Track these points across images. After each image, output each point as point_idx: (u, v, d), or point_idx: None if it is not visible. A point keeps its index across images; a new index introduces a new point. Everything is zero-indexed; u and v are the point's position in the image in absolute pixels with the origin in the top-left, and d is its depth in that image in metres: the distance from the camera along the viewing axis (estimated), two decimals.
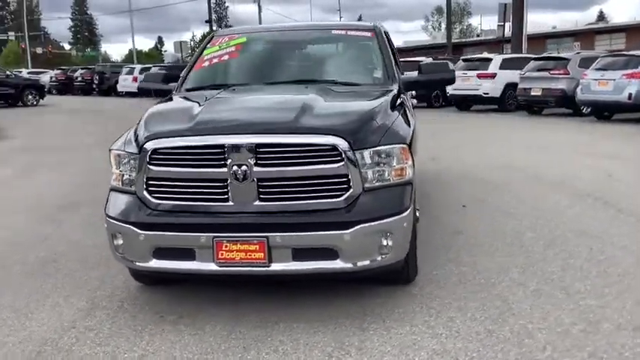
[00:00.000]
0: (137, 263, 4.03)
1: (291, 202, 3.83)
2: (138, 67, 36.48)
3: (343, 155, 3.77)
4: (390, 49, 5.36)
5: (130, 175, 4.06)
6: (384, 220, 3.85)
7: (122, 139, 4.24)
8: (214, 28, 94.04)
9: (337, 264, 3.81)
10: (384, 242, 3.87)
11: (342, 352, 3.57)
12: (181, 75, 5.48)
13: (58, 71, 45.18)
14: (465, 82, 20.05)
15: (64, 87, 41.79)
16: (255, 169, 3.76)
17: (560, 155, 10.62)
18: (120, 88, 35.87)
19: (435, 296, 4.33)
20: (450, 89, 20.87)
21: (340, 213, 3.80)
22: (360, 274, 4.05)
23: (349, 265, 3.84)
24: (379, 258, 3.89)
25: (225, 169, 3.78)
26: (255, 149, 3.76)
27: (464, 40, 60.10)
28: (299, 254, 3.80)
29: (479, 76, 19.90)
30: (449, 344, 3.62)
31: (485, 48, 40.72)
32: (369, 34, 5.51)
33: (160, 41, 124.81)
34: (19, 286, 4.83)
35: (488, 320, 3.91)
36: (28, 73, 44.24)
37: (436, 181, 8.50)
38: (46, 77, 43.44)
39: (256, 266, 3.80)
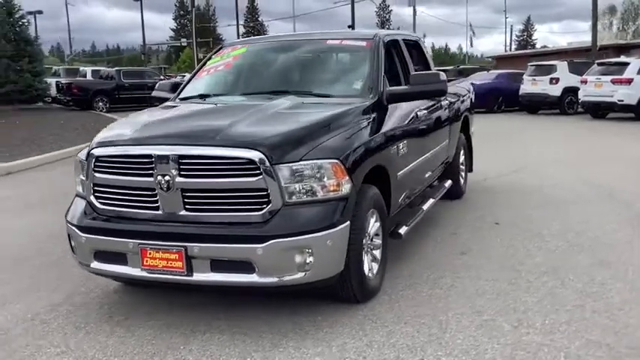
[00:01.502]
0: (83, 264, 4.27)
1: (214, 213, 3.89)
2: None
3: (261, 169, 3.75)
4: (381, 60, 5.18)
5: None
6: (301, 237, 3.79)
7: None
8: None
9: (254, 278, 3.80)
10: (303, 259, 3.81)
11: None
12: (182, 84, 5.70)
13: None
14: (598, 87, 18.63)
15: None
16: (178, 179, 3.87)
17: None
18: None
19: (379, 318, 4.18)
20: (581, 95, 19.48)
21: (256, 227, 3.80)
22: (285, 290, 4.03)
23: (271, 280, 3.82)
24: (298, 275, 3.83)
25: (151, 179, 3.92)
26: (178, 160, 3.86)
27: (630, 42, 55.56)
28: (217, 266, 3.85)
29: (613, 82, 18.33)
30: None
31: None
32: (364, 44, 5.38)
33: None
34: (26, 277, 5.30)
35: (405, 348, 3.72)
36: None
37: (498, 194, 8.06)
38: None
39: (177, 275, 3.89)
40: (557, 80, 21.35)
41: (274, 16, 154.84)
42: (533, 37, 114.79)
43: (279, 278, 3.82)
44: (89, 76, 32.71)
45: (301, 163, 3.84)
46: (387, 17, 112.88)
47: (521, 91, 22.44)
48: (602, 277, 4.82)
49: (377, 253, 4.63)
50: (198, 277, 3.89)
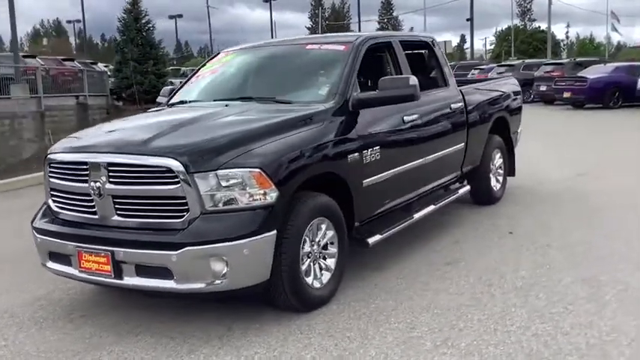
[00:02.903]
0: (43, 263, 4.55)
1: (142, 219, 4.03)
2: None
3: (178, 177, 3.83)
4: (355, 64, 5.06)
5: None
6: (214, 245, 3.83)
7: None
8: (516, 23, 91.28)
9: (172, 284, 3.90)
10: (219, 267, 3.85)
11: None
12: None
13: None
14: None
15: None
16: (108, 186, 4.05)
17: None
18: None
19: (310, 329, 4.13)
20: None
21: (174, 234, 3.88)
22: (206, 296, 4.12)
23: (189, 286, 3.90)
24: (216, 282, 3.88)
25: (86, 185, 4.12)
26: (107, 167, 4.03)
27: None
28: (141, 270, 3.98)
29: None
30: None
31: None
32: (341, 48, 5.28)
33: (463, 39, 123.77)
34: (22, 274, 5.62)
35: None
36: None
37: (538, 201, 7.55)
38: None
39: (108, 277, 4.06)
40: None
41: (409, 9, 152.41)
42: None
43: (196, 285, 3.88)
44: None
45: (220, 172, 3.88)
46: (528, 7, 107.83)
47: (638, 86, 20.78)
48: (575, 296, 4.44)
49: (331, 262, 4.56)
50: (127, 280, 4.04)
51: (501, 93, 7.61)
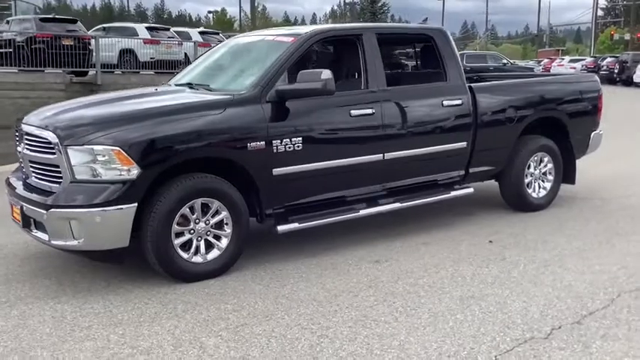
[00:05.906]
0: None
1: (42, 181, 4.84)
2: None
3: (55, 149, 4.54)
4: (290, 57, 5.18)
5: None
6: (71, 210, 4.48)
7: None
8: None
9: (47, 238, 4.63)
10: (76, 229, 4.48)
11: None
12: None
13: (590, 59, 44.97)
14: None
15: None
16: (25, 151, 4.91)
17: None
18: (636, 78, 33.78)
19: (161, 297, 4.54)
20: None
21: (49, 196, 4.60)
22: (78, 253, 4.79)
23: (57, 242, 4.61)
24: (74, 242, 4.53)
25: (19, 149, 5.03)
26: (25, 136, 4.89)
27: None
28: (37, 224, 4.77)
29: None
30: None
31: None
32: (289, 39, 5.41)
33: None
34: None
35: (103, 316, 4.13)
36: (570, 60, 45.57)
37: (590, 214, 6.81)
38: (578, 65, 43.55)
39: (21, 227, 4.93)
40: None
41: None
42: None
43: (61, 242, 4.58)
44: None
45: (87, 147, 4.48)
46: None
47: None
48: (426, 311, 4.22)
49: (224, 241, 4.89)
50: (33, 231, 4.85)
51: (555, 91, 6.94)
